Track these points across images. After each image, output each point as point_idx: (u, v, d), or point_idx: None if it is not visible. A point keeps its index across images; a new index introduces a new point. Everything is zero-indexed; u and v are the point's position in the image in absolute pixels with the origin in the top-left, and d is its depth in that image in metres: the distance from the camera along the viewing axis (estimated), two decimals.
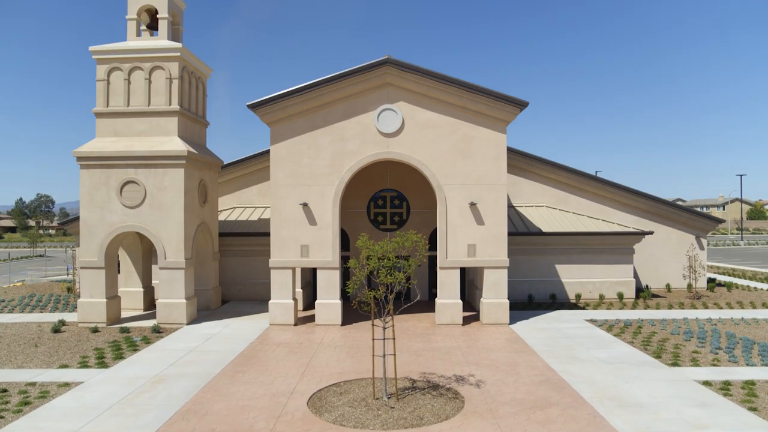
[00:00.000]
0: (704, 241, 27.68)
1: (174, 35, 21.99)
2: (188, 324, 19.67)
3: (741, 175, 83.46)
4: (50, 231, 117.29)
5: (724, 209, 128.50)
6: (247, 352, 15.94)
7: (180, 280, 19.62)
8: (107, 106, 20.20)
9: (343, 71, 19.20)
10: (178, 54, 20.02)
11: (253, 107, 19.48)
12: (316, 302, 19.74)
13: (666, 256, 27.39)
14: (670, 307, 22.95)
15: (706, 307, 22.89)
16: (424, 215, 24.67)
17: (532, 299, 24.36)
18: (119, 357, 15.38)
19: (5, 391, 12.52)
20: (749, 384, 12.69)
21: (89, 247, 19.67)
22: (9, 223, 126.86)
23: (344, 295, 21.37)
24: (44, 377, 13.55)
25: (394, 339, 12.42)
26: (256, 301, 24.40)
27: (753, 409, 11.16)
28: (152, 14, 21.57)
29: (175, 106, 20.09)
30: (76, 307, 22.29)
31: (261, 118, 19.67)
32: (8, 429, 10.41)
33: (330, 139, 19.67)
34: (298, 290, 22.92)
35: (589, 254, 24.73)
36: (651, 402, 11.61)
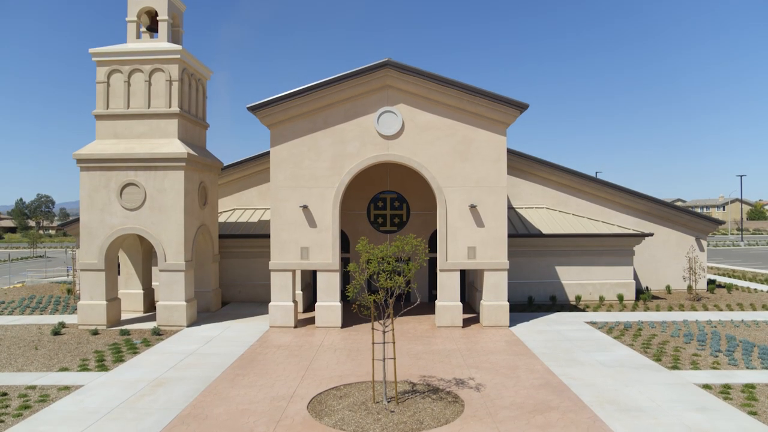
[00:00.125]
0: (704, 243, 27.69)
1: (174, 37, 21.97)
2: (188, 326, 19.68)
3: (741, 176, 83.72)
4: (50, 231, 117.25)
5: (724, 209, 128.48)
6: (247, 354, 15.94)
7: (180, 282, 19.62)
8: (107, 109, 20.19)
9: (344, 73, 19.19)
10: (178, 56, 20.01)
11: (253, 109, 19.46)
12: (316, 305, 19.74)
13: (666, 257, 27.39)
14: (670, 309, 22.96)
15: (706, 309, 22.90)
16: (424, 217, 24.67)
17: (532, 301, 24.36)
18: (119, 360, 15.39)
19: (5, 394, 12.54)
20: (749, 387, 12.71)
21: (89, 249, 19.68)
22: (9, 223, 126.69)
23: (344, 298, 21.37)
24: (44, 380, 13.56)
25: (394, 342, 12.42)
26: (256, 303, 24.41)
27: (753, 414, 11.17)
28: (152, 16, 21.55)
29: (175, 108, 20.08)
30: (76, 309, 22.29)
31: (261, 120, 19.66)
32: None
33: (330, 141, 19.66)
34: (298, 292, 22.93)
35: (589, 256, 24.73)
36: (651, 406, 11.61)
